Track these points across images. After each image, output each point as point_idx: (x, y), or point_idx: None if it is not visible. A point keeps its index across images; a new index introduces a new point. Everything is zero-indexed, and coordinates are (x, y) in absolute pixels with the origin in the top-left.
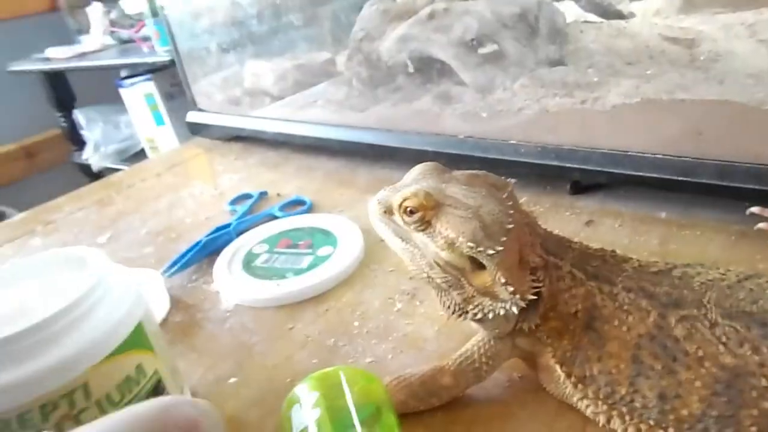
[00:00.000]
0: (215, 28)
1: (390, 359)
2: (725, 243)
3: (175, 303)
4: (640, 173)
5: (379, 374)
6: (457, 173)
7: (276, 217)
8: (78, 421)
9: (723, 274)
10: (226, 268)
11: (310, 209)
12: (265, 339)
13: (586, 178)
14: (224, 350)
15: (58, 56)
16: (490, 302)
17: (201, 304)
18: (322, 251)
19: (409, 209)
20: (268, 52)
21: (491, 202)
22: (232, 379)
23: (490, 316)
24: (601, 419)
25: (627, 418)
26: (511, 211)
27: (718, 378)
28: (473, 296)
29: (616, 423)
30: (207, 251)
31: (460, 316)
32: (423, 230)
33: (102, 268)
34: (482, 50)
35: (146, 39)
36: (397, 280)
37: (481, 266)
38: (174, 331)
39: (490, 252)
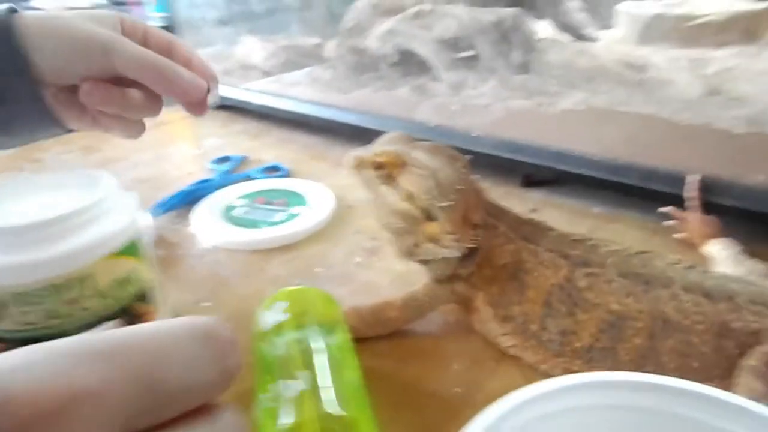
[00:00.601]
0: (216, 1)
1: (347, 300)
2: (643, 237)
3: (158, 240)
4: (580, 171)
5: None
6: (422, 143)
7: (254, 179)
8: (84, 306)
9: (625, 248)
10: (207, 215)
11: (286, 176)
12: (238, 275)
13: (536, 173)
14: (201, 281)
15: (44, 8)
16: (436, 248)
17: (181, 243)
18: (295, 210)
19: (378, 164)
20: (263, 30)
21: (448, 167)
22: (206, 303)
23: (435, 258)
24: (515, 351)
25: (535, 349)
26: (464, 177)
27: (606, 320)
28: (423, 242)
29: (526, 354)
30: (189, 199)
31: (410, 257)
32: (388, 183)
33: (113, 184)
34: (460, 54)
35: (138, 3)
36: (361, 239)
37: (432, 218)
38: (157, 263)
39: (441, 205)
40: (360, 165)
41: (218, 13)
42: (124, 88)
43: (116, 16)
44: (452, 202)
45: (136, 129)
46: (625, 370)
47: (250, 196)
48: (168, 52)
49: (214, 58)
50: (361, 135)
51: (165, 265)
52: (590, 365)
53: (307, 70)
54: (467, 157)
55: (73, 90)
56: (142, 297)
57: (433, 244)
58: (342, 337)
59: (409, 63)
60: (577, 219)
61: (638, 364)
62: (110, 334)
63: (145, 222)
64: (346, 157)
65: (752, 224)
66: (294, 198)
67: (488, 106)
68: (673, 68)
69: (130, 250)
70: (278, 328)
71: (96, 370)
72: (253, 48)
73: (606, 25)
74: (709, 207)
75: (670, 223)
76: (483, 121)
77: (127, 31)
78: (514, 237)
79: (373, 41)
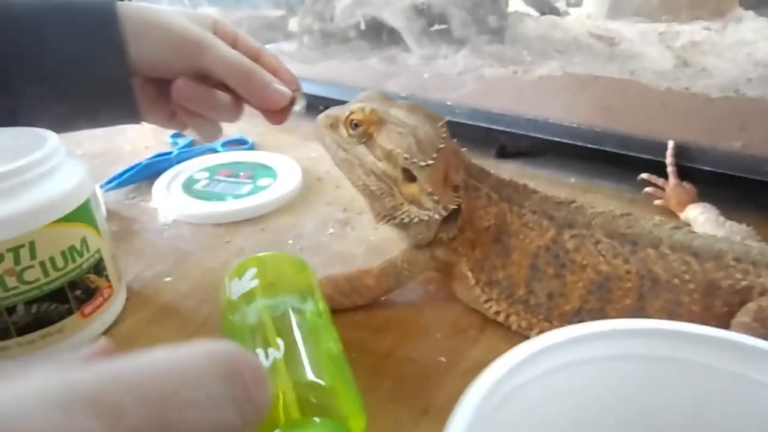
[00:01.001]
0: None
1: (320, 270)
2: (619, 206)
3: (111, 215)
4: (558, 139)
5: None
6: (400, 101)
7: (217, 152)
8: (21, 278)
9: (610, 210)
10: (166, 188)
11: (251, 149)
12: (202, 248)
13: (511, 142)
14: (161, 255)
15: None
16: (416, 209)
17: (138, 218)
18: (262, 182)
19: (354, 122)
20: (223, 1)
21: (427, 125)
22: (168, 278)
23: (415, 220)
24: (501, 317)
25: (522, 314)
26: (444, 136)
27: (594, 281)
28: (402, 203)
29: (512, 319)
30: (146, 173)
31: (389, 220)
32: (364, 142)
33: (58, 142)
34: (434, 27)
35: None
36: (333, 211)
37: (411, 179)
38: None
39: (421, 164)
40: (334, 124)
41: None
42: (213, 89)
43: (211, 18)
44: (433, 161)
45: (212, 130)
46: None
47: (213, 169)
48: (256, 58)
49: None
50: (329, 106)
51: (119, 239)
52: None
53: (271, 45)
54: (445, 118)
55: (159, 83)
56: (96, 269)
57: (413, 206)
58: (318, 305)
59: (378, 33)
60: (553, 189)
61: None
62: (114, 371)
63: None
64: (319, 117)
65: (728, 189)
66: (260, 170)
67: (461, 75)
68: (644, 41)
69: (79, 215)
70: (248, 296)
71: (98, 426)
72: None
73: (575, 2)
74: (685, 173)
75: (649, 190)
76: (456, 90)
77: (219, 34)
78: (496, 198)
79: (340, 11)
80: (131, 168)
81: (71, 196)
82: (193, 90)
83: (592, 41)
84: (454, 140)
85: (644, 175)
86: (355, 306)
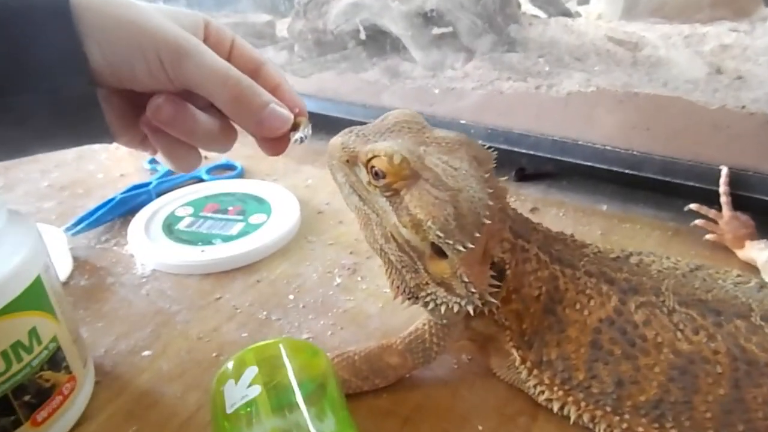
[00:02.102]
0: None
1: (329, 336)
2: (662, 238)
3: (80, 265)
4: (589, 163)
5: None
6: (439, 134)
7: (202, 180)
8: None
9: (675, 263)
10: (143, 230)
11: (240, 175)
12: (188, 308)
13: (534, 165)
14: (139, 318)
15: None
16: (444, 294)
17: (112, 268)
18: (255, 219)
19: (376, 170)
20: (205, 6)
21: (472, 185)
22: (147, 352)
23: (443, 309)
24: (555, 405)
25: (583, 404)
26: (491, 203)
27: (674, 364)
28: (427, 283)
29: (570, 410)
30: (121, 210)
31: (409, 299)
32: (388, 196)
33: (1, 207)
34: (436, 31)
35: None
36: (337, 254)
37: (441, 254)
38: (77, 295)
39: (459, 248)
40: (351, 160)
41: None
42: (196, 112)
43: (201, 19)
44: (473, 245)
45: (191, 160)
46: (705, 429)
47: (198, 203)
48: (255, 72)
49: None
50: (327, 125)
51: (87, 298)
52: (660, 424)
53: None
54: (493, 153)
55: (128, 95)
56: (51, 362)
57: (441, 288)
58: (334, 396)
59: (377, 41)
60: (585, 218)
61: (722, 422)
62: None
63: (57, 247)
64: (332, 143)
65: None
66: (252, 204)
67: (475, 89)
68: (668, 45)
69: (26, 301)
70: (250, 413)
71: None
72: None
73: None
74: (739, 203)
75: (699, 222)
76: (470, 106)
77: (210, 39)
78: (546, 259)
79: (334, 18)
80: (103, 204)
81: (14, 280)
82: (172, 111)
83: (611, 46)
84: (502, 178)
85: (693, 206)
86: (375, 388)
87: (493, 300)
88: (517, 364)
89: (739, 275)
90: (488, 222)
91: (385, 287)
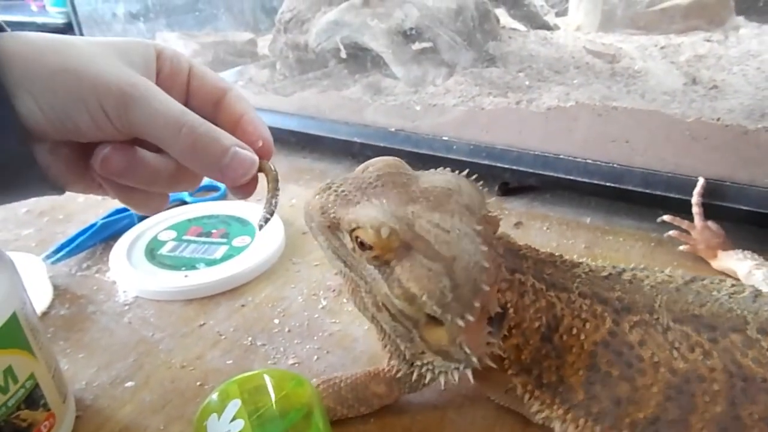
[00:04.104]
0: None
1: (315, 361)
2: (645, 249)
3: (60, 294)
4: (571, 177)
5: (305, 377)
6: (426, 183)
7: (185, 203)
8: None
9: (669, 277)
10: (125, 256)
11: (224, 196)
12: (171, 336)
13: (517, 179)
14: (121, 348)
15: None
16: (442, 362)
17: (93, 296)
18: (238, 241)
19: (361, 241)
20: (185, 25)
21: (467, 249)
22: (129, 383)
23: (442, 379)
24: (556, 424)
25: (582, 421)
26: (486, 265)
27: (671, 383)
28: (424, 352)
29: (569, 428)
30: (102, 236)
31: (405, 366)
32: (377, 266)
33: None
34: (416, 46)
35: None
36: (322, 275)
37: (438, 322)
38: (57, 325)
39: (458, 321)
40: (333, 226)
41: (130, 6)
42: (149, 158)
43: (152, 48)
44: (473, 316)
45: (155, 203)
46: None
47: (181, 227)
48: (217, 103)
49: None
50: (309, 143)
51: (68, 328)
52: None
53: (238, 69)
54: (486, 192)
55: (78, 145)
56: (29, 401)
57: (438, 357)
58: (319, 427)
59: (358, 58)
60: (569, 231)
61: None
62: None
63: (36, 276)
64: (308, 207)
65: (763, 230)
66: (235, 226)
67: (456, 105)
68: (645, 56)
69: (4, 339)
70: None
71: None
72: (172, 46)
73: (559, 11)
74: (714, 212)
75: (673, 233)
76: (452, 122)
77: (164, 71)
78: (542, 287)
79: (315, 35)
80: (84, 230)
81: None
82: (121, 163)
83: (590, 59)
84: (494, 214)
85: (666, 217)
86: (360, 415)
87: (492, 364)
88: (517, 390)
89: (733, 285)
90: (486, 288)
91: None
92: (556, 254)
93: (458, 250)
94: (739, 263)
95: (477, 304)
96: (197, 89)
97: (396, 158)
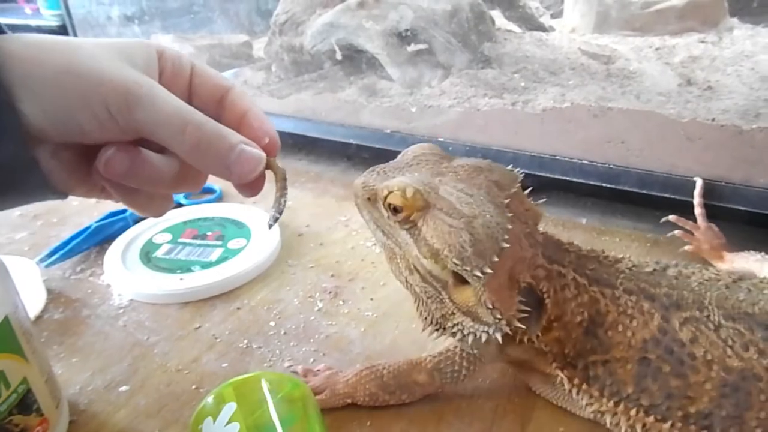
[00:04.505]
0: None
1: (312, 363)
2: (641, 250)
3: (54, 298)
4: (567, 178)
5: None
6: (459, 163)
7: (181, 205)
8: None
9: (716, 274)
10: (120, 259)
11: (219, 198)
12: (166, 339)
13: None
14: (116, 352)
15: None
16: (471, 323)
17: (87, 299)
18: (234, 244)
19: (393, 206)
20: (180, 28)
21: (489, 210)
22: (124, 387)
23: (470, 339)
24: (607, 418)
25: (633, 413)
26: (509, 226)
27: (726, 381)
28: (453, 313)
29: (621, 419)
30: (97, 239)
31: (437, 330)
32: (407, 229)
33: None
34: (411, 47)
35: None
36: (318, 277)
37: (464, 280)
38: (51, 329)
39: (477, 273)
40: (372, 198)
41: (124, 9)
42: (153, 159)
43: (154, 48)
44: (492, 270)
45: (159, 206)
46: None
47: (176, 229)
48: (220, 101)
49: None
50: (305, 145)
51: (62, 332)
52: None
53: (233, 71)
54: (519, 175)
55: (80, 147)
56: (21, 406)
57: (468, 318)
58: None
59: (354, 60)
60: (566, 232)
61: None
62: None
63: (30, 280)
64: (356, 183)
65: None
66: (231, 229)
67: (452, 107)
68: (640, 57)
69: None
70: None
71: None
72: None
73: (555, 13)
74: (713, 213)
75: (678, 233)
76: (448, 123)
77: (167, 71)
78: (584, 282)
79: (310, 37)
80: (78, 233)
81: None
82: (125, 164)
83: (585, 59)
84: (541, 200)
85: (672, 218)
86: (401, 403)
87: (521, 325)
88: (564, 383)
89: None
90: (507, 246)
91: (366, 310)
92: (599, 250)
93: (479, 210)
94: (757, 264)
95: (496, 259)
96: (200, 88)
97: (433, 144)
